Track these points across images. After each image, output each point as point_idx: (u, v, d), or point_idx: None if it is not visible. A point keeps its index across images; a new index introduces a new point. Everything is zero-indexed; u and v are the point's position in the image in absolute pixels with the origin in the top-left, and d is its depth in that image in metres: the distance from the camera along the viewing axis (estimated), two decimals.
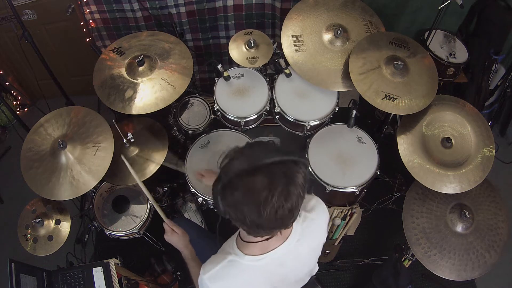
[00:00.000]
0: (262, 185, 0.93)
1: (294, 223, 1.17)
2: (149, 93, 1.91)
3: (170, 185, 2.31)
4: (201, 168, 1.91)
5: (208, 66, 3.00)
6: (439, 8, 1.95)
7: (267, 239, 1.12)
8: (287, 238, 1.18)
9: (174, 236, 1.48)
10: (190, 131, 2.21)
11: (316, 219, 1.26)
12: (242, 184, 0.95)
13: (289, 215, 0.99)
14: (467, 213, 1.82)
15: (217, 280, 1.17)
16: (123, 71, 1.97)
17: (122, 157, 1.68)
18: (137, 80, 1.94)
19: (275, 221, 0.98)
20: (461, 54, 2.38)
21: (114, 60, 2.01)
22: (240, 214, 0.98)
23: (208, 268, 1.18)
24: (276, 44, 2.20)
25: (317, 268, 1.48)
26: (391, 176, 2.43)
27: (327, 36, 2.05)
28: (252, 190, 0.94)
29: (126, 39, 2.09)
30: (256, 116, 2.09)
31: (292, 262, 1.22)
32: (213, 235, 1.87)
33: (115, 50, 2.04)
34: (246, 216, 0.97)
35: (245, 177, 0.95)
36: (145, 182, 1.61)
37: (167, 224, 1.49)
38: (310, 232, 1.23)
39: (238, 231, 1.23)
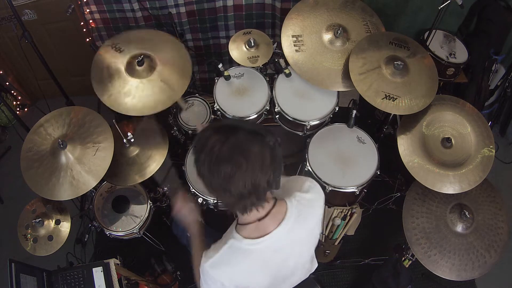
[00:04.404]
0: (210, 137, 1.05)
1: (288, 205, 1.20)
2: (148, 95, 1.89)
3: (170, 185, 2.31)
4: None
5: (208, 66, 3.00)
6: (439, 8, 1.95)
7: (259, 220, 1.15)
8: (282, 219, 1.18)
9: (185, 207, 1.46)
10: (190, 131, 2.22)
11: (312, 200, 1.26)
12: (199, 139, 1.08)
13: (241, 186, 1.02)
14: (467, 213, 1.82)
15: (219, 266, 1.18)
16: (122, 70, 1.95)
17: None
18: (136, 79, 1.93)
19: (231, 189, 1.03)
20: (461, 54, 2.38)
21: (115, 57, 1.97)
22: (205, 180, 1.07)
23: (209, 255, 1.20)
24: (276, 44, 2.20)
25: (316, 264, 1.48)
26: (391, 176, 2.43)
27: (327, 36, 2.05)
28: (202, 140, 1.06)
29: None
30: (256, 115, 2.08)
31: (288, 246, 1.22)
32: (215, 232, 1.88)
33: (113, 47, 1.99)
34: (209, 181, 1.06)
35: (204, 134, 1.07)
36: (145, 182, 1.62)
37: (181, 196, 1.47)
38: (306, 213, 1.23)
39: (237, 218, 1.24)
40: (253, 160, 1.02)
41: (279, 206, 1.19)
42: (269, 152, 1.05)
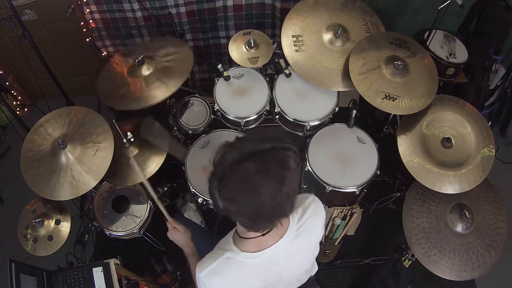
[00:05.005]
0: (253, 170, 0.95)
1: (291, 219, 1.19)
2: (144, 91, 1.91)
3: (170, 185, 2.31)
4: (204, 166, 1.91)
5: (208, 66, 3.00)
6: (439, 8, 1.95)
7: (263, 235, 1.12)
8: (283, 235, 1.18)
9: (177, 233, 1.50)
10: (190, 131, 2.21)
11: (312, 216, 1.25)
12: (235, 173, 0.97)
13: (287, 200, 1.00)
14: (467, 213, 1.82)
15: (213, 276, 1.18)
16: (124, 71, 1.97)
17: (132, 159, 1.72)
18: (135, 77, 1.94)
19: (275, 207, 0.99)
20: (461, 54, 2.39)
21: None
22: (239, 205, 0.99)
23: (204, 265, 1.19)
24: (276, 44, 2.20)
25: (316, 268, 1.48)
26: (391, 176, 2.42)
27: (327, 36, 2.05)
28: (245, 176, 0.96)
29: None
30: (256, 116, 2.09)
31: (287, 260, 1.22)
32: (213, 234, 1.88)
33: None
34: (244, 206, 0.99)
35: (236, 166, 0.97)
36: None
37: (170, 223, 1.52)
38: (306, 229, 1.23)
39: (235, 228, 1.24)
40: (290, 175, 1.00)
41: (283, 221, 1.18)
42: (296, 162, 1.03)
